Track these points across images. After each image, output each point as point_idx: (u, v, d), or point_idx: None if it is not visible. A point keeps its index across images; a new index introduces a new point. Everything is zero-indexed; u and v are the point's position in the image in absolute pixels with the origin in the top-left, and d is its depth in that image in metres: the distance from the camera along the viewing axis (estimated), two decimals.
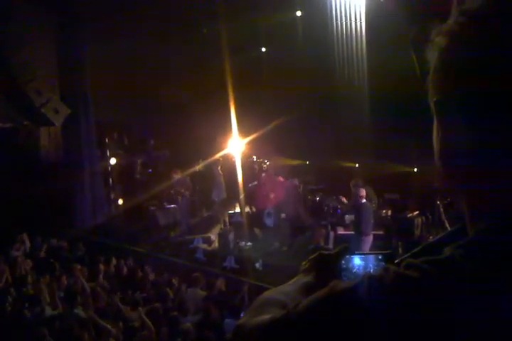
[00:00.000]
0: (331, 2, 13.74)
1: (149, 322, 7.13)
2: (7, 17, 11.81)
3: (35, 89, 12.33)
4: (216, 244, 11.89)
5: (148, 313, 7.57)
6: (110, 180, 14.49)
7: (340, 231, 11.32)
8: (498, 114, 0.72)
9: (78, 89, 13.31)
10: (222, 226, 12.67)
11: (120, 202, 14.69)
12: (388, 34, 10.73)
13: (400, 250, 9.40)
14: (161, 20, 13.61)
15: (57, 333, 6.85)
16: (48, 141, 13.42)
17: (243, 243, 11.46)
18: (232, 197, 13.43)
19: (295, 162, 15.02)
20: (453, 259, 0.72)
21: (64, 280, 9.02)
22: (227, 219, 12.90)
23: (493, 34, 0.72)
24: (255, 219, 12.38)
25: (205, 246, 11.88)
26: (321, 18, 13.91)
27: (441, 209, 10.16)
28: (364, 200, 9.74)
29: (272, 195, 12.39)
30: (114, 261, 10.36)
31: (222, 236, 11.80)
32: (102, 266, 9.78)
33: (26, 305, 7.80)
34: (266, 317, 0.88)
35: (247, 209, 12.89)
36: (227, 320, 7.53)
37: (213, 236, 12.24)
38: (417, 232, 10.53)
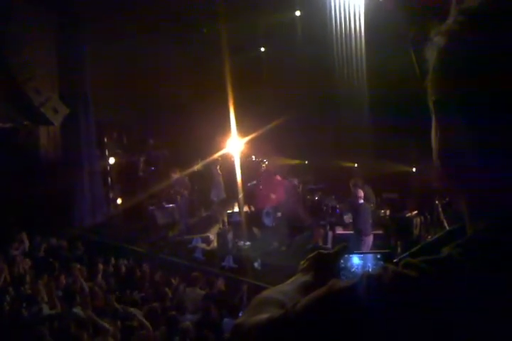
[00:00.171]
0: (330, 2, 13.74)
1: (146, 322, 7.13)
2: (7, 17, 11.79)
3: (34, 89, 12.32)
4: (215, 244, 11.88)
5: (146, 313, 7.57)
6: (109, 179, 14.49)
7: (339, 230, 11.33)
8: (498, 113, 0.72)
9: (77, 88, 13.30)
10: (221, 225, 12.66)
11: (119, 201, 14.68)
12: (387, 34, 10.73)
13: (399, 250, 9.42)
14: (160, 20, 13.61)
15: (56, 332, 6.85)
16: (47, 141, 13.41)
17: (242, 242, 11.45)
18: (231, 197, 13.42)
19: (294, 161, 15.02)
20: (451, 258, 0.72)
21: (63, 279, 9.02)
22: (225, 218, 12.89)
23: (492, 33, 0.72)
24: (254, 219, 12.37)
25: (203, 245, 11.88)
26: (320, 18, 13.90)
27: (440, 209, 10.17)
28: (362, 201, 9.77)
29: (270, 195, 12.40)
30: (112, 261, 10.36)
31: (220, 235, 11.79)
32: (100, 266, 9.78)
33: (24, 304, 7.79)
34: (264, 316, 0.88)
35: (245, 208, 12.88)
36: (225, 320, 7.54)
37: (212, 235, 12.24)
38: (416, 232, 10.53)
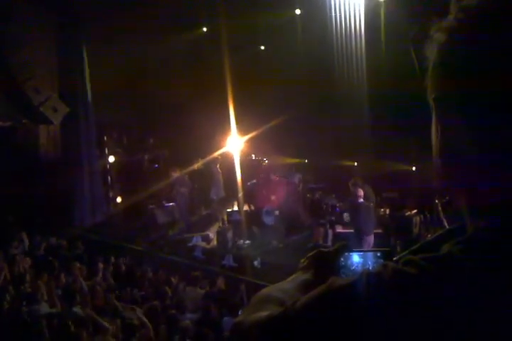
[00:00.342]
0: (330, 1, 13.73)
1: (146, 320, 7.14)
2: (7, 17, 11.78)
3: (33, 88, 12.30)
4: (215, 242, 11.89)
5: (146, 311, 7.58)
6: (109, 178, 14.48)
7: (339, 229, 11.34)
8: (498, 113, 0.71)
9: (77, 88, 13.28)
10: (221, 224, 12.66)
11: (119, 200, 14.68)
12: (387, 33, 10.74)
13: (399, 248, 9.41)
14: (160, 20, 13.60)
15: (56, 331, 6.85)
16: (46, 140, 13.40)
17: (242, 241, 11.46)
18: (230, 196, 13.42)
19: (294, 160, 15.01)
20: (451, 256, 0.72)
21: (62, 278, 9.02)
22: (225, 217, 12.89)
23: (492, 31, 0.72)
24: (254, 218, 12.37)
25: (203, 244, 11.88)
26: (320, 17, 13.90)
27: (440, 208, 10.17)
28: (361, 200, 9.77)
29: (270, 194, 12.40)
30: (112, 260, 10.36)
31: (220, 234, 11.80)
32: (100, 265, 9.78)
33: (24, 303, 7.79)
34: (264, 314, 0.87)
35: (245, 207, 12.89)
36: (225, 318, 7.54)
37: (212, 234, 12.24)
38: (416, 231, 10.55)
